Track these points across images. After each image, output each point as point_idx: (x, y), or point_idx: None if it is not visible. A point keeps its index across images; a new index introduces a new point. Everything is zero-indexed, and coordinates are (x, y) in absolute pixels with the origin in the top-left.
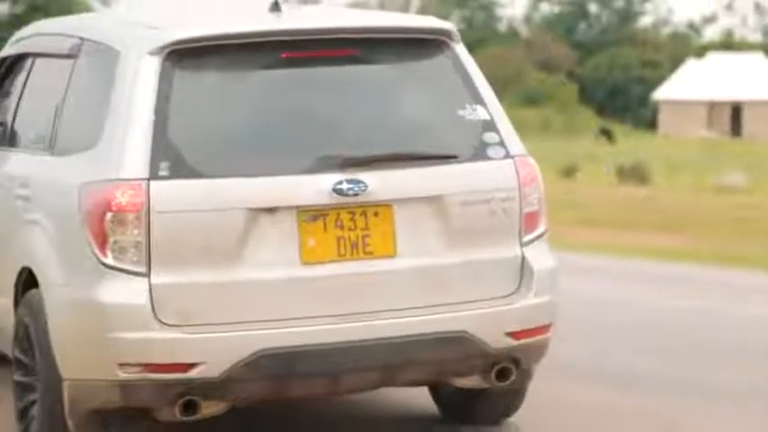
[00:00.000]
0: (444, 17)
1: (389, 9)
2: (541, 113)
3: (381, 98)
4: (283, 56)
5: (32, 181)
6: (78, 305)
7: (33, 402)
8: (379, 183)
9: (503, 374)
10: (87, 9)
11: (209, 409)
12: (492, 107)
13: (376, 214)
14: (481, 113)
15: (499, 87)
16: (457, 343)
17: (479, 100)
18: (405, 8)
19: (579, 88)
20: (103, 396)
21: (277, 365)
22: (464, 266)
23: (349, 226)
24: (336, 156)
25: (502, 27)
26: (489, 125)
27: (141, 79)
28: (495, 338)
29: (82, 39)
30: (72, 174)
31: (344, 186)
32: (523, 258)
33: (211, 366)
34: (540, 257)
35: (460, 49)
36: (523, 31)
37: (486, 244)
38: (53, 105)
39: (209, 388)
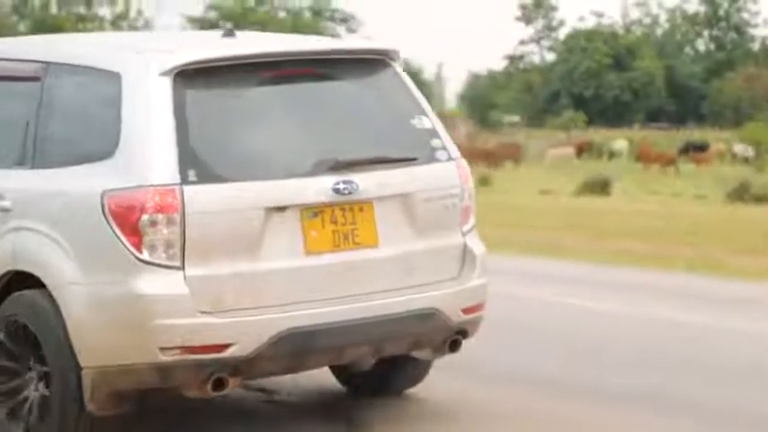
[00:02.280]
0: (693, 40)
1: None
2: None
3: (352, 110)
4: (270, 74)
5: (11, 192)
6: (111, 298)
7: (24, 401)
8: (363, 183)
9: (454, 346)
10: (333, 36)
11: (234, 384)
12: (432, 117)
13: (361, 210)
14: (426, 123)
15: (751, 109)
16: (430, 319)
17: (422, 111)
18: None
19: None
20: (140, 379)
21: (296, 343)
22: (429, 253)
23: (341, 221)
24: (330, 159)
25: (754, 47)
26: (433, 133)
27: (156, 98)
28: (455, 314)
29: (46, 62)
30: (81, 183)
31: (341, 186)
32: (465, 245)
33: (243, 346)
34: (477, 245)
35: (399, 67)
36: None
37: (442, 233)
38: (21, 124)
39: (239, 365)
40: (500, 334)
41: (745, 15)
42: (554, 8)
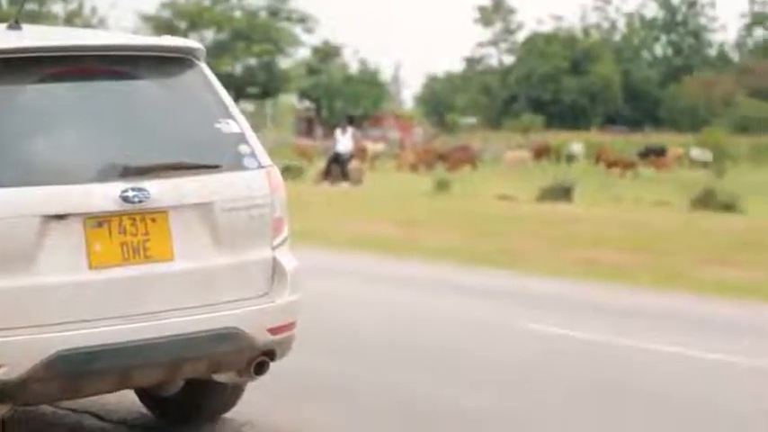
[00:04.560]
0: (650, 45)
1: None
2: (754, 142)
3: (149, 112)
4: (55, 71)
5: None
6: None
7: None
8: (156, 190)
9: (260, 368)
10: (290, 36)
11: (3, 410)
12: (240, 121)
13: (154, 220)
14: (234, 127)
15: (707, 114)
16: (231, 339)
17: (230, 115)
18: None
19: None
20: None
21: (74, 365)
22: (231, 268)
23: (131, 231)
24: (119, 165)
25: (712, 52)
26: (241, 138)
27: None
28: (260, 334)
29: None
30: None
31: (130, 194)
32: (275, 260)
33: (11, 368)
34: (288, 259)
35: (205, 67)
36: (735, 56)
37: (247, 247)
38: None
39: (7, 390)
40: (439, 365)
41: (703, 20)
42: (512, 11)
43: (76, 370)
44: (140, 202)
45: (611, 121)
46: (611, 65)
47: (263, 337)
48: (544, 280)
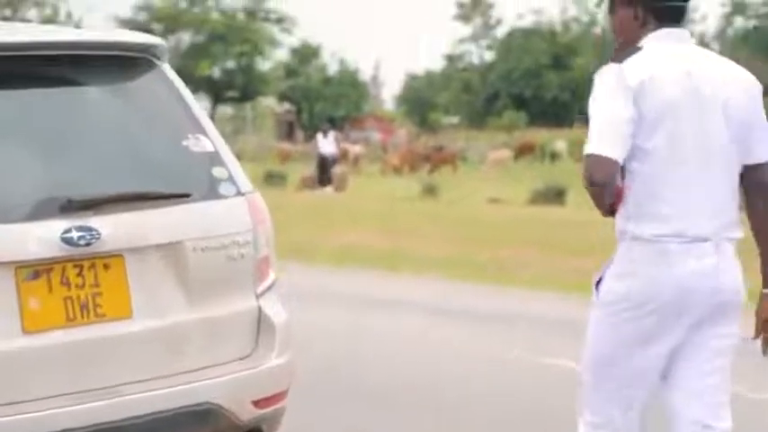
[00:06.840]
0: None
1: None
2: None
3: (99, 127)
4: None
5: None
6: None
7: None
8: (108, 230)
9: None
10: (268, 37)
11: None
12: (214, 137)
13: (106, 267)
14: (206, 144)
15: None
16: (206, 417)
17: (201, 129)
18: None
19: None
20: None
21: None
22: (206, 324)
23: (77, 283)
24: (60, 197)
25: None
26: (216, 158)
27: None
28: (243, 408)
29: None
30: None
31: (74, 235)
32: (260, 312)
33: None
34: (277, 311)
35: (168, 68)
36: (715, 47)
37: (226, 296)
38: None
39: None
40: (445, 415)
41: None
42: (492, 5)
43: None
44: (87, 245)
45: None
46: (592, 58)
47: (246, 413)
48: (545, 297)
